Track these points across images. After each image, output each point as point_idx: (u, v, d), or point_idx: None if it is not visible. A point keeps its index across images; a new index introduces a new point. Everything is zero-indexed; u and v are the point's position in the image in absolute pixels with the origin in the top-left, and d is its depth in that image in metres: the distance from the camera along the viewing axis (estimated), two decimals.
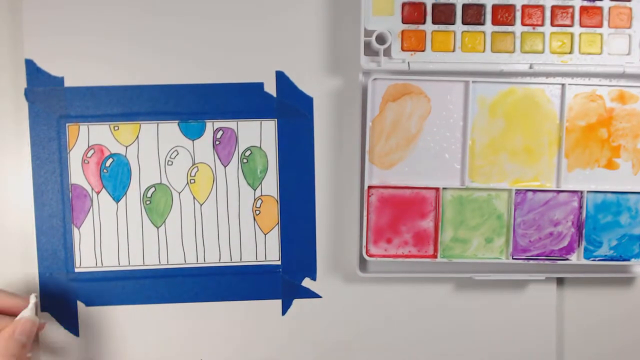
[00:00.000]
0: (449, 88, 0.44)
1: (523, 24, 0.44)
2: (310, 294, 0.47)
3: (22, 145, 0.46)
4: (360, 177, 0.45)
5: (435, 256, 0.45)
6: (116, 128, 0.46)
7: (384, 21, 0.44)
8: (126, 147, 0.46)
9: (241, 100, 0.46)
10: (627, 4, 0.44)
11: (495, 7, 0.44)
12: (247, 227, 0.46)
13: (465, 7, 0.44)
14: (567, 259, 0.45)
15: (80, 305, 0.46)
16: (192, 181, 0.46)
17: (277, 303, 0.47)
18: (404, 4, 0.44)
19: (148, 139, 0.46)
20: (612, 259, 0.45)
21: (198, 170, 0.46)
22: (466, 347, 0.48)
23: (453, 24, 0.44)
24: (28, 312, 0.40)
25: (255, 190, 0.46)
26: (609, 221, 0.45)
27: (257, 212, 0.46)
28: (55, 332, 0.46)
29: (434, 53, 0.44)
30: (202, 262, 0.46)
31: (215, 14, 0.46)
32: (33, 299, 0.41)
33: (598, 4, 0.44)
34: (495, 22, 0.44)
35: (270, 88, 0.46)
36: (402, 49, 0.44)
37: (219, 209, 0.46)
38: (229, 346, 0.47)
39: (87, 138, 0.45)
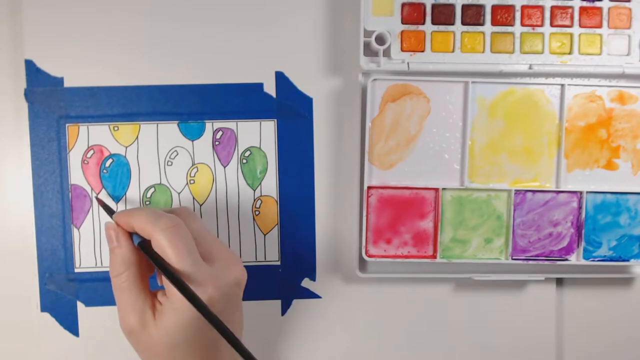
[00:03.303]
0: (448, 88, 0.44)
1: (522, 24, 0.44)
2: (309, 294, 0.47)
3: (22, 145, 0.46)
4: (359, 177, 0.45)
5: (434, 257, 0.45)
6: (116, 128, 0.46)
7: (383, 22, 0.44)
8: (126, 147, 0.46)
9: (241, 100, 0.46)
10: (627, 4, 0.44)
11: (494, 8, 0.44)
12: (246, 228, 0.46)
13: (464, 7, 0.44)
14: (566, 260, 0.45)
15: (80, 305, 0.46)
16: (192, 181, 0.46)
17: (277, 303, 0.47)
18: (403, 5, 0.44)
19: (148, 139, 0.46)
20: (611, 260, 0.45)
21: (198, 170, 0.46)
22: (466, 348, 0.48)
23: (452, 24, 0.44)
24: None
25: (254, 190, 0.46)
26: (609, 222, 0.45)
27: (257, 213, 0.46)
28: (55, 332, 0.46)
29: (433, 53, 0.44)
30: None
31: (214, 14, 0.46)
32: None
33: (597, 4, 0.44)
34: (494, 22, 0.44)
35: (270, 88, 0.46)
36: (402, 50, 0.44)
37: (219, 209, 0.46)
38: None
39: (86, 138, 0.46)
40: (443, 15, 0.44)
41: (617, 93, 0.45)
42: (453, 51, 0.44)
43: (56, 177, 0.45)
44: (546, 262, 0.45)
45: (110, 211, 0.40)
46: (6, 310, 0.46)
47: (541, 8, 0.44)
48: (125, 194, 0.46)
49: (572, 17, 0.44)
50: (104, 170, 0.46)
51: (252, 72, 0.46)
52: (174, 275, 0.32)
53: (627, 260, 0.45)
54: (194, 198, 0.46)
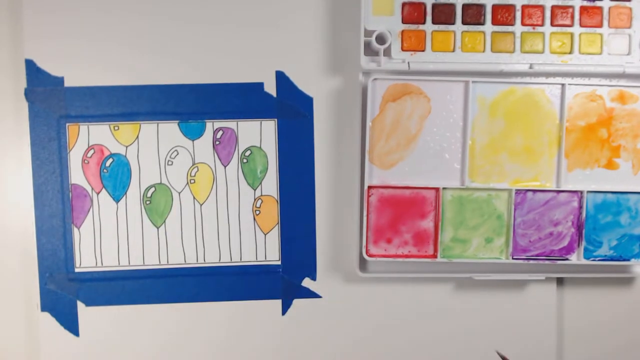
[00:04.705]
0: (449, 88, 0.44)
1: (523, 24, 0.44)
2: (310, 294, 0.47)
3: (22, 145, 0.46)
4: (360, 177, 0.45)
5: (435, 256, 0.45)
6: (116, 128, 0.46)
7: (383, 21, 0.44)
8: (126, 147, 0.46)
9: (241, 100, 0.46)
10: (627, 4, 0.44)
11: (495, 7, 0.44)
12: (247, 227, 0.46)
13: (465, 7, 0.44)
14: (567, 259, 0.45)
15: (80, 305, 0.46)
16: (192, 181, 0.46)
17: (277, 303, 0.47)
18: (404, 4, 0.44)
19: (148, 139, 0.46)
20: (612, 259, 0.45)
21: (198, 170, 0.46)
22: (466, 347, 0.48)
23: (453, 24, 0.44)
24: None
25: (255, 190, 0.46)
26: (609, 221, 0.45)
27: (257, 212, 0.46)
28: (55, 332, 0.46)
29: (434, 53, 0.44)
30: (202, 262, 0.46)
31: (215, 14, 0.46)
32: None
33: (598, 4, 0.44)
34: (495, 22, 0.44)
35: (270, 88, 0.46)
36: (402, 49, 0.44)
37: (219, 209, 0.46)
38: (229, 346, 0.47)
39: (87, 138, 0.46)
40: (443, 15, 0.44)
41: (618, 92, 0.45)
42: (453, 51, 0.44)
43: (56, 176, 0.45)
44: (547, 262, 0.45)
45: None
46: (6, 310, 0.46)
47: (542, 7, 0.44)
48: (126, 193, 0.46)
49: (572, 17, 0.44)
50: (105, 170, 0.46)
51: (253, 72, 0.46)
52: None
53: (628, 260, 0.45)
54: (194, 198, 0.46)
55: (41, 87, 0.45)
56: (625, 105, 0.45)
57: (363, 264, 0.46)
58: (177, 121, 0.46)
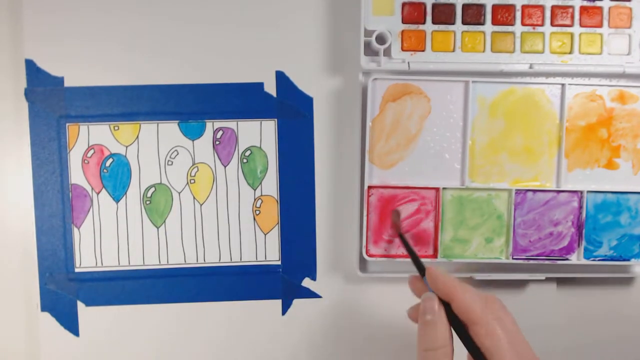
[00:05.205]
0: (449, 88, 0.44)
1: (523, 24, 0.44)
2: (310, 294, 0.47)
3: (22, 145, 0.46)
4: (360, 177, 0.45)
5: (435, 256, 0.45)
6: (116, 128, 0.46)
7: (384, 21, 0.44)
8: (126, 147, 0.46)
9: (241, 100, 0.46)
10: (627, 3, 0.44)
11: (495, 7, 0.44)
12: (247, 227, 0.46)
13: (465, 7, 0.44)
14: (567, 259, 0.45)
15: (80, 305, 0.46)
16: (192, 181, 0.46)
17: (277, 303, 0.47)
18: (404, 4, 0.44)
19: (148, 139, 0.46)
20: (612, 259, 0.45)
21: (198, 170, 0.46)
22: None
23: (453, 24, 0.44)
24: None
25: (255, 190, 0.46)
26: (609, 221, 0.45)
27: (257, 212, 0.46)
28: (55, 332, 0.46)
29: (434, 53, 0.44)
30: (202, 262, 0.46)
31: (215, 14, 0.46)
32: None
33: (598, 3, 0.44)
34: (495, 22, 0.44)
35: (270, 88, 0.46)
36: (402, 49, 0.44)
37: (219, 209, 0.46)
38: (229, 346, 0.47)
39: (87, 138, 0.46)
40: (443, 15, 0.44)
41: (618, 92, 0.45)
42: (453, 51, 0.44)
43: (56, 176, 0.45)
44: (547, 262, 0.45)
45: (420, 267, 0.38)
46: (6, 310, 0.46)
47: (542, 7, 0.44)
48: (126, 193, 0.46)
49: (572, 17, 0.44)
50: (105, 170, 0.46)
51: (252, 72, 0.46)
52: None
53: (628, 260, 0.45)
54: (194, 198, 0.46)
55: (41, 87, 0.45)
56: (625, 105, 0.45)
57: (363, 264, 0.46)
58: (177, 121, 0.46)
